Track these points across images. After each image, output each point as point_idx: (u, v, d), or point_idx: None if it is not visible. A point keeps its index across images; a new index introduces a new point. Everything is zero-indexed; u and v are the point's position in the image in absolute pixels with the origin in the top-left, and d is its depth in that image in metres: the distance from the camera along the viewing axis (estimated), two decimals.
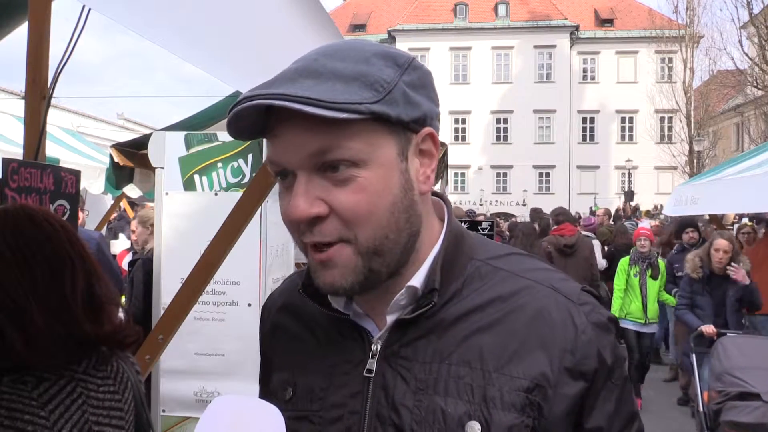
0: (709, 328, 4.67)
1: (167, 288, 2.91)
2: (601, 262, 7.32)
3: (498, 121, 37.52)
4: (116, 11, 1.05)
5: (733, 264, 4.83)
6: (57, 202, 1.75)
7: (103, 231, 6.94)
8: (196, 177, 3.03)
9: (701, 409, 4.18)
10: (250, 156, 3.01)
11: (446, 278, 0.75)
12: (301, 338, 0.83)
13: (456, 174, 36.03)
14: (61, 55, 1.78)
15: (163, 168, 3.05)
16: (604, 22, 37.89)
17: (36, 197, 1.66)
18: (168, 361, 2.91)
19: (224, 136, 3.05)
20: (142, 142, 3.90)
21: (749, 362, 4.01)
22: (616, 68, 36.72)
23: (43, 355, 1.04)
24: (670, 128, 32.70)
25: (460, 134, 37.42)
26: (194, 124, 4.01)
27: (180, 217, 3.00)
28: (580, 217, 11.09)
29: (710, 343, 4.51)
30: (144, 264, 3.56)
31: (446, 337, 0.73)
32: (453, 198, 29.86)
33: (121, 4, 1.06)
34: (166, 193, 3.04)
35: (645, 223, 8.08)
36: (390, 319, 0.75)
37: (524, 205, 32.01)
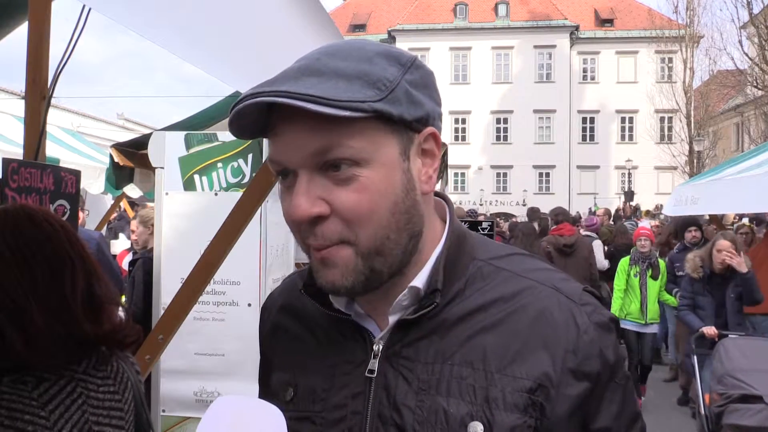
0: (710, 330, 4.61)
1: (167, 288, 2.91)
2: (604, 263, 7.30)
3: (498, 121, 37.53)
4: (116, 11, 1.05)
5: (731, 250, 4.72)
6: (57, 202, 1.75)
7: (103, 231, 6.95)
8: (196, 177, 3.04)
9: (703, 411, 4.12)
10: (250, 156, 3.02)
11: (449, 278, 0.74)
12: (301, 339, 0.82)
13: (456, 174, 36.04)
14: (61, 55, 1.78)
15: (163, 168, 3.06)
16: (604, 22, 37.90)
17: (36, 197, 1.65)
18: (168, 361, 2.91)
19: (224, 136, 3.05)
20: (142, 142, 3.89)
21: (751, 364, 3.96)
22: (616, 68, 36.72)
23: (43, 355, 1.04)
24: (670, 128, 32.71)
25: (460, 134, 37.43)
26: (194, 124, 4.01)
27: (180, 217, 3.00)
28: (580, 218, 11.08)
29: (711, 344, 4.47)
30: (144, 264, 3.56)
31: (448, 338, 0.72)
32: (453, 198, 29.55)
33: (121, 4, 1.05)
34: (166, 193, 3.04)
35: (645, 223, 8.06)
36: (392, 319, 0.74)
37: (524, 205, 31.93)
